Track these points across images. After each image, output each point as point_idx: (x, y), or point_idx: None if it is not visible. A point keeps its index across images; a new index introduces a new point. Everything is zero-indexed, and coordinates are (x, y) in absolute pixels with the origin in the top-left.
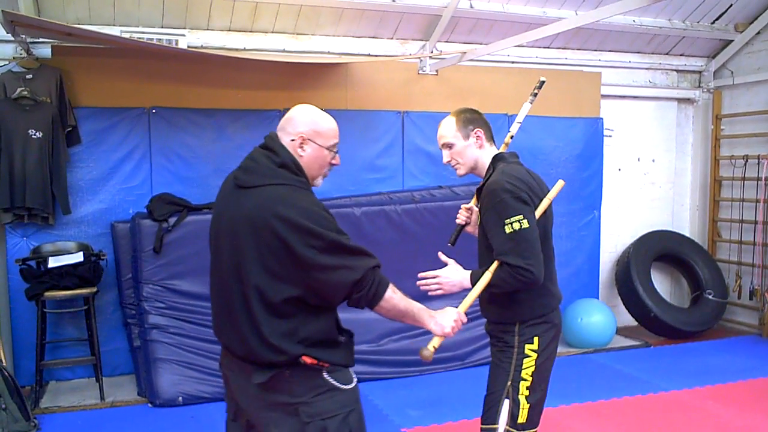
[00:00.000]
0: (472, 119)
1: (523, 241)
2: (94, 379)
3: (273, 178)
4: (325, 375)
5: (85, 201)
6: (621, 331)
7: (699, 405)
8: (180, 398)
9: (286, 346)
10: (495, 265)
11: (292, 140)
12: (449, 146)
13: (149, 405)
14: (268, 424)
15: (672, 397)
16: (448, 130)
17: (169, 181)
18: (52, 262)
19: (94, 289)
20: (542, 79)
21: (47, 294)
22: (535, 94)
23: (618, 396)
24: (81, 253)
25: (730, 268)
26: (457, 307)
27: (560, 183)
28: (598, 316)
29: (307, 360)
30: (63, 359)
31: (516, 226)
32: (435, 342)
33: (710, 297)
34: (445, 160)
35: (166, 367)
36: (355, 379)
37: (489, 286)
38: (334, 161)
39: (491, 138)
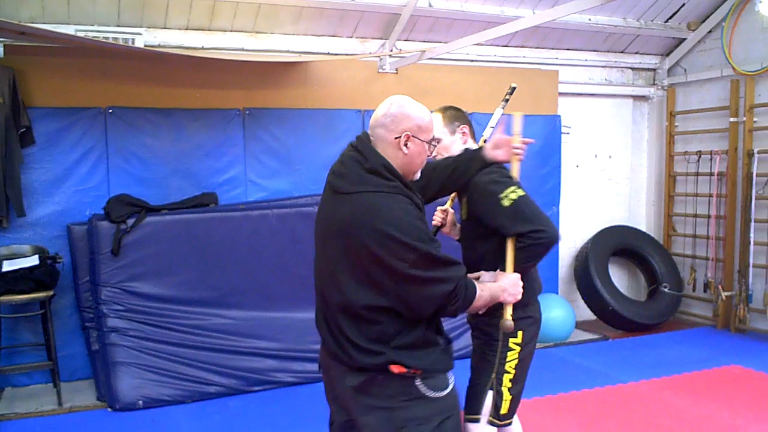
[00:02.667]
0: (457, 116)
1: (523, 206)
2: (52, 384)
3: (363, 185)
4: (418, 382)
5: (41, 203)
6: (580, 325)
7: (656, 395)
8: (140, 402)
9: (377, 351)
10: (510, 243)
11: (396, 138)
12: (436, 141)
13: (108, 410)
14: (365, 427)
15: (630, 389)
16: (435, 125)
17: (127, 182)
18: (7, 266)
19: (51, 293)
20: (513, 85)
21: (2, 298)
22: (507, 100)
23: (577, 389)
24: (36, 257)
25: (685, 261)
26: None
27: (518, 114)
28: (557, 311)
29: (395, 369)
30: (19, 365)
31: (513, 196)
32: (510, 310)
33: (666, 290)
34: (431, 154)
35: (126, 370)
36: (452, 385)
37: (518, 263)
38: (430, 154)
39: (473, 135)
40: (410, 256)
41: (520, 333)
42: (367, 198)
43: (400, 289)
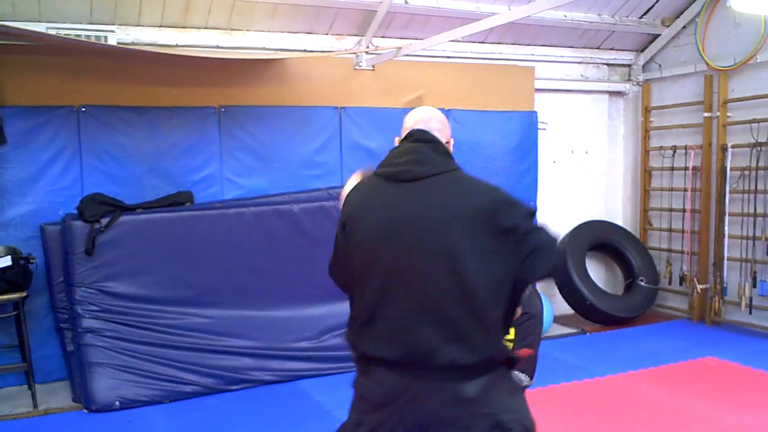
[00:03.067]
0: None
1: None
2: (27, 386)
3: (449, 165)
4: (514, 371)
5: (13, 203)
6: (558, 319)
7: (633, 388)
8: (117, 403)
9: (499, 342)
10: None
11: (447, 142)
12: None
13: (85, 411)
14: None
15: (607, 382)
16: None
17: (101, 181)
18: None
19: (24, 294)
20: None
21: None
22: None
23: (556, 382)
24: (9, 257)
25: (661, 255)
26: None
27: None
28: None
29: (524, 353)
30: None
31: None
32: None
33: (643, 284)
34: None
35: (102, 371)
36: None
37: None
38: None
39: None
40: (529, 220)
41: (512, 330)
42: (458, 174)
43: (527, 256)
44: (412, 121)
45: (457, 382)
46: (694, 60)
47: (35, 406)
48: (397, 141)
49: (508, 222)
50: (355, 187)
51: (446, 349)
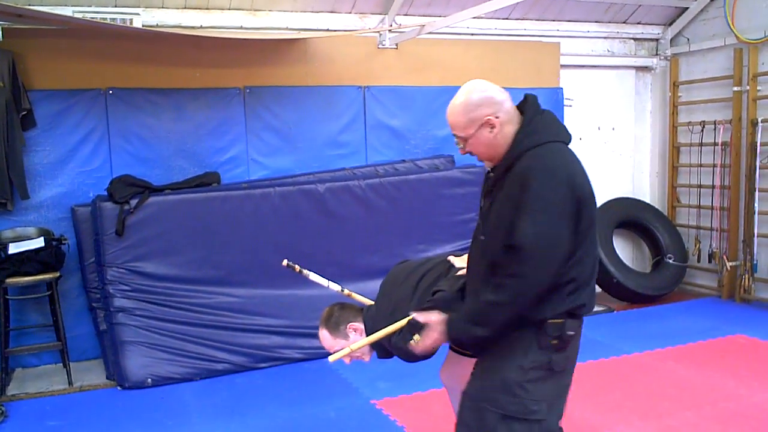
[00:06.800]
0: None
1: None
2: (62, 364)
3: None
4: None
5: (44, 185)
6: None
7: (661, 366)
8: (149, 380)
9: None
10: None
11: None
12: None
13: (118, 388)
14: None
15: (635, 359)
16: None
17: (129, 163)
18: (13, 248)
19: (57, 274)
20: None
21: (9, 281)
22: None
23: (583, 360)
24: (42, 238)
25: (689, 232)
26: None
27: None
28: None
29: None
30: (28, 346)
31: None
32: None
33: (671, 261)
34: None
35: (134, 349)
36: None
37: None
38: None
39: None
40: None
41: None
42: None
43: None
44: (502, 94)
45: None
46: (723, 33)
47: (70, 383)
48: (476, 126)
49: None
50: (560, 158)
51: None
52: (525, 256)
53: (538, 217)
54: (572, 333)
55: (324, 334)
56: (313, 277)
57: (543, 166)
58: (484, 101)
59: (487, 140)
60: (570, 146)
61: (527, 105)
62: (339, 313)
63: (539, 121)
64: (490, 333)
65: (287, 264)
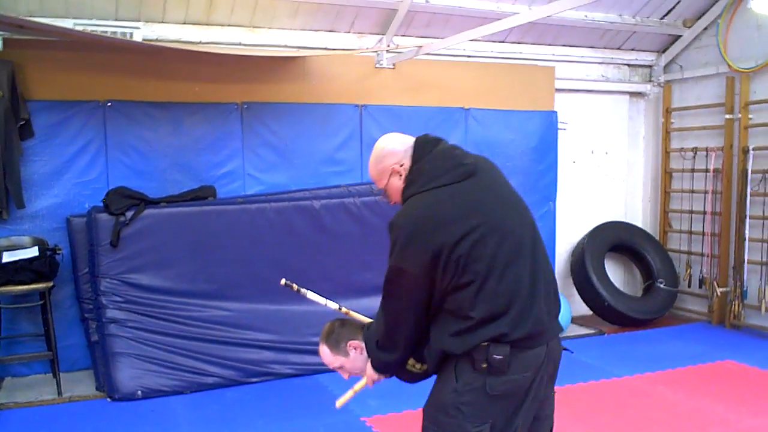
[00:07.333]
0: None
1: None
2: (52, 374)
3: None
4: None
5: (40, 195)
6: (576, 320)
7: (650, 390)
8: (139, 392)
9: None
10: None
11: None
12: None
13: (108, 399)
14: (549, 398)
15: (625, 383)
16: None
17: (126, 175)
18: (6, 257)
19: (50, 284)
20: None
21: (1, 289)
22: None
23: (572, 383)
24: (36, 248)
25: (680, 257)
26: None
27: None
28: None
29: None
30: (19, 355)
31: None
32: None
33: (662, 286)
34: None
35: (125, 361)
36: None
37: None
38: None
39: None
40: None
41: None
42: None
43: None
44: (403, 143)
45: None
46: (715, 61)
47: (60, 393)
48: (387, 175)
49: None
50: (424, 211)
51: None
52: (383, 302)
53: (386, 287)
54: (500, 357)
55: (324, 350)
56: (311, 295)
57: (403, 224)
58: (388, 153)
59: (398, 187)
60: (462, 182)
61: (414, 150)
62: (339, 330)
63: (417, 169)
64: (398, 355)
65: (285, 283)
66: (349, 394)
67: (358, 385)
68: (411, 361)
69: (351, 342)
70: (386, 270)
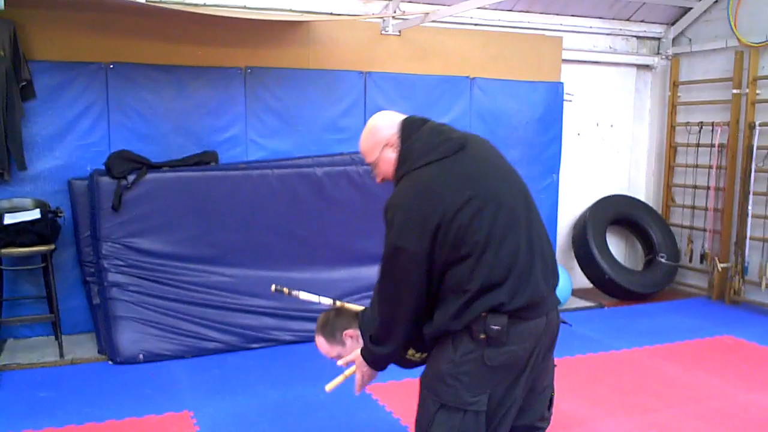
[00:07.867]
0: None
1: None
2: (54, 336)
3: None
4: None
5: (42, 157)
6: (576, 292)
7: (648, 363)
8: (141, 356)
9: None
10: None
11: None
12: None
13: (109, 362)
14: (548, 369)
15: (623, 356)
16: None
17: (128, 138)
18: (8, 219)
19: (52, 247)
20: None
21: (3, 251)
22: None
23: (571, 354)
24: (38, 210)
25: (682, 232)
26: None
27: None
28: None
29: None
30: (21, 317)
31: None
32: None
33: (663, 260)
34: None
35: (126, 324)
36: None
37: None
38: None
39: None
40: None
41: None
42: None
43: None
44: (391, 121)
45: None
46: (725, 35)
47: (62, 355)
48: (379, 149)
49: None
50: (422, 186)
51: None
52: (379, 289)
53: (383, 269)
54: (497, 328)
55: (320, 341)
56: (304, 295)
57: (398, 203)
58: (383, 127)
59: (390, 160)
60: (452, 156)
61: (402, 130)
62: (335, 320)
63: (406, 148)
64: (393, 348)
65: (276, 288)
66: (339, 379)
67: (349, 371)
68: (411, 351)
69: (347, 331)
70: (383, 253)
